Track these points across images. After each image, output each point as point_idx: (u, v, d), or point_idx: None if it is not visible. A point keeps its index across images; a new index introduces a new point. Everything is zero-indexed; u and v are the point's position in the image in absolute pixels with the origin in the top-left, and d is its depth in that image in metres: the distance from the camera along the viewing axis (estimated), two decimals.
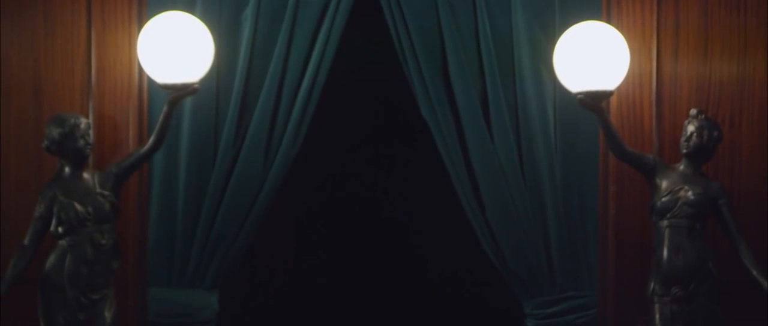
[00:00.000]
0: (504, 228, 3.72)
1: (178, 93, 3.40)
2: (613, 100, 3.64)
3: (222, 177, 3.71)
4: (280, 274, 4.50)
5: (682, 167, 3.55)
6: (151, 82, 3.57)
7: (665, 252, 3.49)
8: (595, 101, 3.37)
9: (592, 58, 3.36)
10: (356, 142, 4.34)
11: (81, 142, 3.46)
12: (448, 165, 3.74)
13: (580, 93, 3.39)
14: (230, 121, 3.69)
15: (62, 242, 3.45)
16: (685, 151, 3.53)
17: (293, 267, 4.52)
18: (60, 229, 3.44)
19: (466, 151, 3.71)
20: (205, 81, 3.52)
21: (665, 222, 3.49)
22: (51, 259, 3.46)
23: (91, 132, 3.52)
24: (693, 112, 3.54)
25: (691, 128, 3.52)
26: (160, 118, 3.42)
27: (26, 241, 3.45)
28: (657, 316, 3.49)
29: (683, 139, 3.53)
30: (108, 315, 3.46)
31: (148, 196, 3.74)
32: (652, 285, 3.53)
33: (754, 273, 3.45)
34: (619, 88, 3.49)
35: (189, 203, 3.73)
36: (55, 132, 3.45)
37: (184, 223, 3.73)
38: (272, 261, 4.44)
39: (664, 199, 3.50)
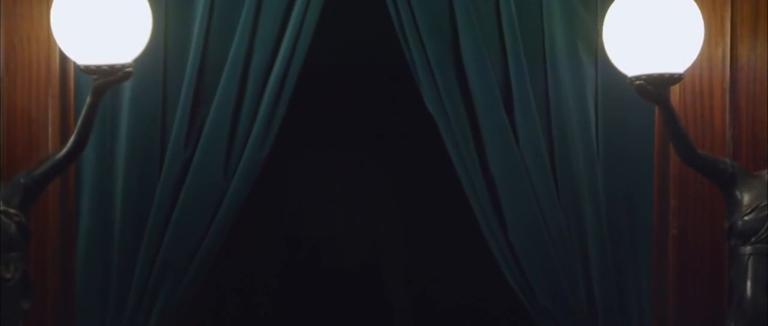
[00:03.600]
0: (531, 253, 3.34)
1: (106, 78, 2.95)
2: (674, 88, 3.23)
3: (170, 187, 3.32)
4: (247, 312, 4.13)
5: None
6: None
7: (749, 287, 3.03)
8: (659, 89, 2.95)
9: (655, 32, 2.91)
10: (342, 143, 4.04)
11: None
12: (461, 172, 3.35)
13: (638, 78, 2.95)
14: (181, 116, 3.30)
15: None
16: None
17: (263, 302, 4.15)
18: None
19: (483, 154, 3.34)
20: (147, 63, 3.16)
21: (748, 249, 3.03)
22: None
23: None
24: None
25: None
26: (83, 112, 3.00)
27: None
28: None
29: None
30: None
31: (74, 213, 3.34)
32: None
33: None
34: None
35: (128, 221, 3.33)
36: None
37: (122, 247, 3.33)
38: (236, 295, 4.08)
39: (746, 218, 3.03)
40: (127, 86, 3.22)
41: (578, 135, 3.34)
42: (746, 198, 3.04)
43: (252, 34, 3.29)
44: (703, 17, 3.09)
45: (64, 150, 3.01)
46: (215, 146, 3.30)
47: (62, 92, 3.30)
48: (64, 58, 3.25)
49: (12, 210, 2.97)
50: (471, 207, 3.36)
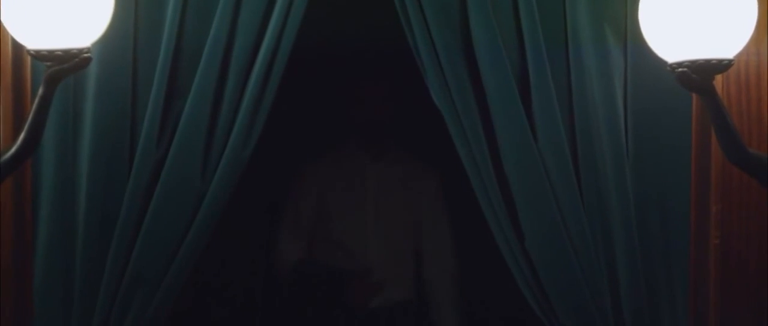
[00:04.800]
0: (551, 265, 3.17)
1: (60, 65, 2.77)
2: (715, 79, 2.98)
3: (141, 190, 3.15)
4: None
5: None
6: None
7: None
8: (704, 77, 2.77)
9: (702, 11, 2.69)
10: (336, 141, 3.94)
11: None
12: (472, 173, 3.20)
13: (681, 65, 2.74)
14: (153, 110, 3.14)
15: None
16: None
17: (247, 321, 4.05)
18: None
19: (496, 153, 3.18)
20: (114, 49, 3.01)
21: None
22: None
23: None
24: None
25: None
26: (34, 105, 2.84)
27: None
28: None
29: None
30: None
31: (33, 221, 3.17)
32: None
33: None
34: None
35: (93, 229, 3.16)
36: None
37: (87, 259, 3.15)
38: (216, 312, 3.98)
39: None
40: (92, 75, 3.04)
41: (605, 131, 3.15)
42: None
43: (234, 15, 3.12)
44: None
45: (12, 149, 2.82)
46: (192, 143, 3.13)
47: (16, 83, 3.09)
48: (17, 44, 3.02)
49: None
50: (482, 212, 3.20)
